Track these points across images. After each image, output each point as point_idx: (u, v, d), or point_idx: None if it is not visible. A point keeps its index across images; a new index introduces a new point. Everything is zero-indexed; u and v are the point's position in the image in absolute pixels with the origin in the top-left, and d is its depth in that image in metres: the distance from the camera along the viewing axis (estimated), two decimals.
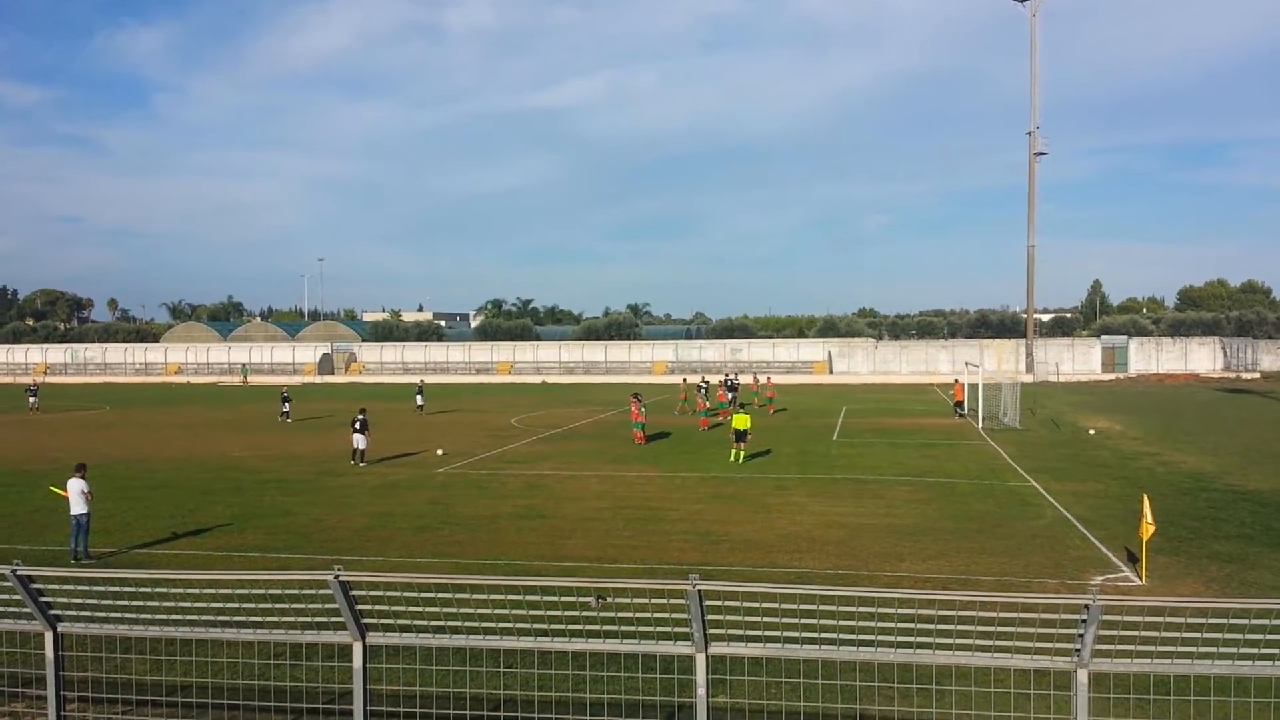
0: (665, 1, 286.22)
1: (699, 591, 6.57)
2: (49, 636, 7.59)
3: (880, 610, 6.60)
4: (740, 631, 6.76)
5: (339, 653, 7.49)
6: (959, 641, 6.45)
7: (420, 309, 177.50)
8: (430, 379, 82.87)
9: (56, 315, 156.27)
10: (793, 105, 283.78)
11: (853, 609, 6.54)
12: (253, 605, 7.36)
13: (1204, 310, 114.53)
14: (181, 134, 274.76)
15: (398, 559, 17.28)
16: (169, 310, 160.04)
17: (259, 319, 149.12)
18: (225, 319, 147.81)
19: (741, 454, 29.86)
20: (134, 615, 7.43)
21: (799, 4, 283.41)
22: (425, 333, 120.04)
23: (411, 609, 7.16)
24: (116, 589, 7.50)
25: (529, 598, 7.11)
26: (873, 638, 6.58)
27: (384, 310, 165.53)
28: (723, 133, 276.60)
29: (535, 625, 7.07)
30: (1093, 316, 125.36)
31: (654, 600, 6.84)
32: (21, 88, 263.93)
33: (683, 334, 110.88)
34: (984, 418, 40.54)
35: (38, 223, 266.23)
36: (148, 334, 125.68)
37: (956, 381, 49.75)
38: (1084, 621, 6.24)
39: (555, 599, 7.03)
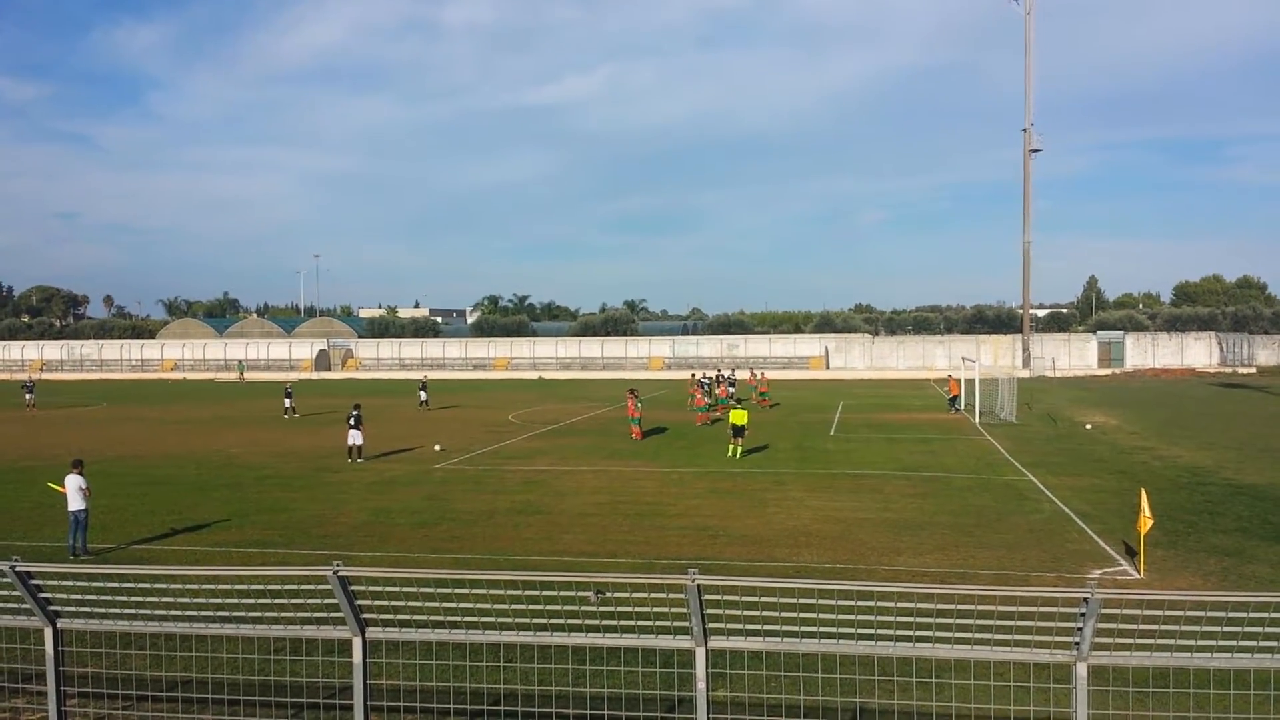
0: None
1: (698, 586, 6.57)
2: (48, 632, 7.59)
3: (879, 604, 6.61)
4: (739, 626, 6.76)
5: (339, 648, 7.50)
6: (958, 635, 6.47)
7: (417, 305, 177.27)
8: (427, 375, 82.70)
9: (52, 312, 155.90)
10: (790, 101, 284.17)
11: (851, 603, 6.56)
12: (252, 601, 7.36)
13: (1200, 306, 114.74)
14: (177, 130, 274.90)
15: (396, 554, 17.27)
16: (165, 306, 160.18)
17: (255, 315, 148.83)
18: (221, 315, 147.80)
19: (739, 449, 29.91)
20: (133, 611, 7.42)
21: (797, 0, 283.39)
22: (422, 329, 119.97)
23: (411, 604, 7.16)
24: (115, 585, 7.49)
25: (528, 592, 7.12)
26: (872, 631, 6.59)
27: (380, 306, 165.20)
28: (720, 129, 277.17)
29: (534, 620, 7.08)
30: (1089, 312, 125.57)
31: (653, 595, 6.84)
32: (18, 84, 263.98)
33: (679, 330, 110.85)
34: (980, 412, 40.60)
35: (33, 219, 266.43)
36: (144, 330, 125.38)
37: (950, 377, 49.78)
38: (1083, 615, 6.26)
39: (554, 594, 7.04)
